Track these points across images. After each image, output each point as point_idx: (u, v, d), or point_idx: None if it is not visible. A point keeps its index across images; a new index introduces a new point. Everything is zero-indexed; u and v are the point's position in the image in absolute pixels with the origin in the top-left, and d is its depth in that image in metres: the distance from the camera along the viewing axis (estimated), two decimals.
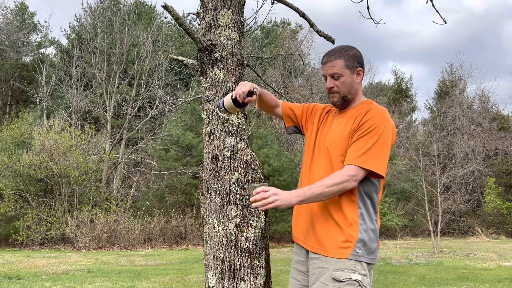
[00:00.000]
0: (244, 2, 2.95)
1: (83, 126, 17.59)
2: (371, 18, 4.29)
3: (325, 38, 3.64)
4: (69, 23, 32.09)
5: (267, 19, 28.46)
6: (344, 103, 1.99)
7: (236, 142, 2.72)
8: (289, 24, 28.92)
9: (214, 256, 2.62)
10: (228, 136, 2.72)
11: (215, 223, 2.65)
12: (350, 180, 1.80)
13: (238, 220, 2.61)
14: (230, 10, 2.82)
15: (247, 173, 2.68)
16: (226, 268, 2.56)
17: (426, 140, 16.34)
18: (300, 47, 21.68)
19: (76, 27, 23.90)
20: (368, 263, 1.85)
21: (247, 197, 2.62)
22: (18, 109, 22.55)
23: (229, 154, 2.69)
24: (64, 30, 42.55)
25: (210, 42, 2.76)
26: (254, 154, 2.76)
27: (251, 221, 2.62)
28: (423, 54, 53.52)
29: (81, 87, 19.95)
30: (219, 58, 2.78)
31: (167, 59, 18.99)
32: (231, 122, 2.74)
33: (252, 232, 2.61)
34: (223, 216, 2.63)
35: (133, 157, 18.40)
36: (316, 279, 1.87)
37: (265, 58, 16.12)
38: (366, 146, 1.83)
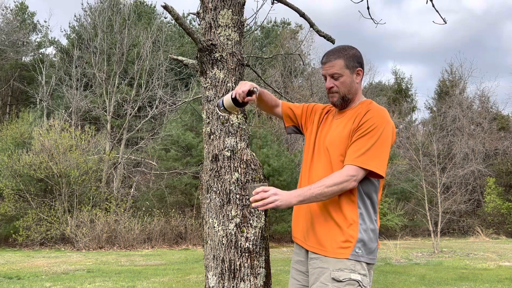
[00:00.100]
0: (244, 2, 2.95)
1: (83, 126, 17.58)
2: (371, 18, 4.29)
3: (325, 38, 3.64)
4: (69, 23, 32.13)
5: (267, 19, 28.47)
6: (343, 103, 1.99)
7: (236, 142, 2.72)
8: (289, 24, 28.93)
9: (214, 256, 2.62)
10: (228, 136, 2.72)
11: (215, 223, 2.65)
12: (350, 180, 1.80)
13: (238, 220, 2.61)
14: (230, 10, 2.83)
15: (247, 173, 2.68)
16: (226, 268, 2.56)
17: (426, 140, 16.34)
18: (300, 47, 21.69)
19: (76, 27, 23.91)
20: (367, 263, 1.85)
21: (247, 197, 2.62)
22: (18, 109, 22.55)
23: (229, 154, 2.69)
24: (64, 30, 42.61)
25: (210, 42, 2.76)
26: (254, 154, 2.76)
27: (251, 221, 2.63)
28: (423, 54, 53.56)
29: (81, 87, 19.95)
30: (219, 58, 2.78)
31: (167, 59, 18.99)
32: (231, 122, 2.74)
33: (252, 232, 2.61)
34: (223, 216, 2.63)
35: (133, 157, 18.40)
36: (316, 279, 1.87)
37: (265, 58, 16.12)
38: (365, 146, 1.83)
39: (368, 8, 4.18)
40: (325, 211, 1.89)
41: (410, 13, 56.26)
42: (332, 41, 3.59)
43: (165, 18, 25.44)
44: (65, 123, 16.53)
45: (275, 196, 1.77)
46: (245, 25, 3.10)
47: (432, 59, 54.35)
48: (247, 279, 2.55)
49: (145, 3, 26.92)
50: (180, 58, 3.10)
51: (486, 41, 51.29)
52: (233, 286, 2.54)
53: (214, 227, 2.65)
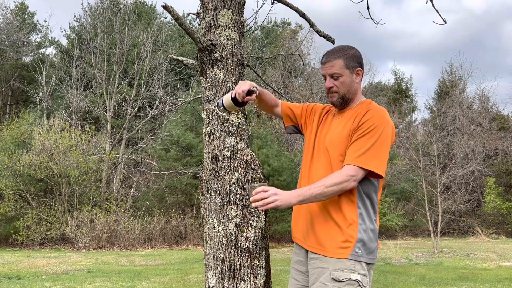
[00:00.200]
0: (244, 2, 2.95)
1: (83, 126, 17.58)
2: (371, 18, 4.29)
3: (325, 38, 3.64)
4: (69, 23, 32.14)
5: (267, 19, 28.47)
6: (343, 103, 1.99)
7: (236, 142, 2.72)
8: (289, 24, 28.93)
9: (214, 256, 2.62)
10: (228, 136, 2.72)
11: (215, 223, 2.65)
12: (349, 180, 1.80)
13: (238, 220, 2.61)
14: (230, 10, 2.83)
15: (247, 173, 2.68)
16: (226, 268, 2.56)
17: (426, 140, 16.34)
18: (300, 47, 21.69)
19: (76, 27, 23.91)
20: (367, 263, 1.85)
21: (247, 197, 2.62)
22: (18, 109, 22.55)
23: (229, 154, 2.69)
24: (64, 30, 42.61)
25: (210, 42, 2.76)
26: (254, 154, 2.76)
27: (251, 221, 2.63)
28: (423, 54, 53.56)
29: (81, 87, 19.95)
30: (219, 58, 2.78)
31: (167, 59, 19.00)
32: (231, 122, 2.74)
33: (252, 232, 2.61)
34: (223, 216, 2.63)
35: (133, 157, 18.40)
36: (316, 279, 1.87)
37: (265, 58, 16.12)
38: (365, 146, 1.83)
39: (368, 8, 4.18)
40: (324, 211, 1.89)
41: (410, 13, 56.30)
42: (332, 41, 3.59)
43: (165, 18, 25.47)
44: (65, 123, 16.53)
45: (275, 196, 1.78)
46: (245, 25, 3.10)
47: (432, 59, 54.39)
48: (247, 279, 2.56)
49: (145, 3, 26.93)
50: (180, 58, 3.10)
51: (486, 41, 51.33)
52: (233, 286, 2.54)
53: (214, 227, 2.65)
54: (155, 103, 18.07)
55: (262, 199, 1.77)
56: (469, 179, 20.33)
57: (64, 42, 25.13)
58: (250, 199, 1.80)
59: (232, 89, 2.74)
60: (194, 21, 24.32)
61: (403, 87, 32.15)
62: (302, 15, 3.67)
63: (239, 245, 2.58)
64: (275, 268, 8.07)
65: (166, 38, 21.73)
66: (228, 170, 2.67)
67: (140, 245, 14.29)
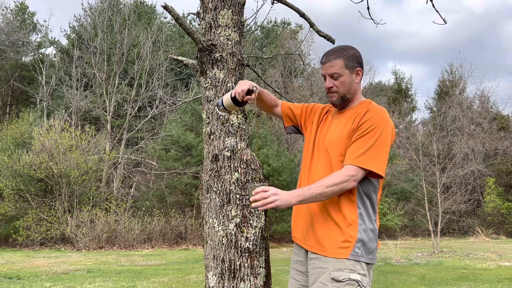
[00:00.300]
0: (244, 2, 2.95)
1: (83, 126, 17.58)
2: (371, 18, 4.29)
3: (325, 38, 3.64)
4: (69, 23, 32.14)
5: (267, 19, 28.47)
6: (343, 103, 1.99)
7: (236, 142, 2.72)
8: (289, 24, 28.93)
9: (214, 256, 2.62)
10: (228, 136, 2.72)
11: (215, 223, 2.65)
12: (349, 180, 1.80)
13: (238, 220, 2.61)
14: (230, 10, 2.83)
15: (247, 173, 2.68)
16: (226, 268, 2.56)
17: (426, 140, 16.34)
18: (300, 47, 21.69)
19: (76, 27, 23.91)
20: (367, 263, 1.85)
21: (247, 197, 2.62)
22: (18, 109, 22.55)
23: (229, 154, 2.69)
24: (64, 30, 42.61)
25: (210, 42, 2.76)
26: (254, 154, 2.76)
27: (251, 221, 2.63)
28: (423, 54, 53.56)
29: (81, 87, 19.96)
30: (219, 58, 2.78)
31: (167, 59, 19.00)
32: (231, 122, 2.74)
33: (252, 232, 2.61)
34: (223, 216, 2.63)
35: (133, 157, 18.40)
36: (316, 279, 1.87)
37: (265, 58, 16.13)
38: (365, 146, 1.83)
39: (368, 8, 4.18)
40: (324, 211, 1.89)
41: (410, 13, 56.29)
42: (332, 41, 3.59)
43: (165, 18, 25.47)
44: (65, 123, 16.53)
45: (275, 196, 1.78)
46: (245, 25, 3.10)
47: (432, 59, 54.39)
48: (247, 279, 2.56)
49: (145, 3, 26.93)
50: (180, 58, 3.10)
51: (486, 41, 51.32)
52: (233, 286, 2.54)
53: (214, 227, 2.65)
54: (155, 103, 18.07)
55: (262, 199, 1.77)
56: (469, 179, 20.33)
57: (64, 42, 25.16)
58: (250, 199, 1.80)
59: (232, 89, 2.74)
60: (194, 21, 24.32)
61: (403, 87, 32.15)
62: (302, 15, 3.67)
63: (239, 245, 2.58)
64: (275, 268, 8.07)
65: (166, 38, 21.73)
66: (228, 170, 2.67)
67: (140, 245, 14.29)
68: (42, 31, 27.00)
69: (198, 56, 2.83)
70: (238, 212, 2.62)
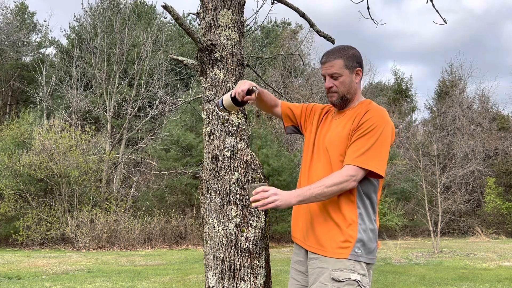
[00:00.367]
0: (244, 2, 2.95)
1: (83, 126, 17.58)
2: (371, 18, 4.29)
3: (325, 38, 3.64)
4: (69, 23, 32.14)
5: (267, 19, 28.47)
6: (343, 103, 1.99)
7: (236, 142, 2.72)
8: (289, 24, 28.93)
9: (214, 256, 2.62)
10: (228, 136, 2.72)
11: (215, 223, 2.65)
12: (349, 180, 1.80)
13: (238, 220, 2.61)
14: (230, 10, 2.83)
15: (247, 173, 2.68)
16: (226, 268, 2.56)
17: (426, 140, 16.34)
18: (300, 47, 21.69)
19: (76, 27, 23.91)
20: (367, 263, 1.85)
21: (247, 197, 2.62)
22: (18, 109, 22.55)
23: (229, 154, 2.69)
24: (64, 30, 42.60)
25: (210, 42, 2.76)
26: (254, 154, 2.76)
27: (251, 221, 2.63)
28: (423, 54, 53.55)
29: (81, 87, 19.96)
30: (219, 58, 2.78)
31: (167, 59, 19.00)
32: (231, 122, 2.74)
33: (252, 232, 2.61)
34: (223, 216, 2.63)
35: (133, 157, 18.40)
36: (315, 279, 1.87)
37: (265, 58, 16.12)
38: (365, 146, 1.83)
39: (368, 8, 4.18)
40: (324, 211, 1.89)
41: (410, 13, 56.28)
42: (332, 41, 3.59)
43: (165, 18, 25.48)
44: (65, 123, 16.53)
45: (275, 196, 1.78)
46: (245, 25, 3.10)
47: (432, 59, 54.39)
48: (247, 279, 2.56)
49: (145, 3, 26.93)
50: (180, 58, 3.10)
51: (486, 41, 51.32)
52: (233, 286, 2.54)
53: (214, 227, 2.65)
54: (155, 103, 18.07)
55: (262, 199, 1.77)
56: (469, 179, 20.33)
57: (64, 42, 25.16)
58: (250, 199, 1.80)
59: (232, 89, 2.74)
60: (194, 21, 24.32)
61: (403, 87, 32.15)
62: (302, 15, 3.67)
63: (239, 245, 2.58)
64: (275, 268, 8.07)
65: (166, 38, 21.73)
66: (228, 170, 2.67)
67: (140, 245, 14.29)
68: (42, 31, 27.03)
69: (198, 56, 2.83)
70: (238, 212, 2.62)
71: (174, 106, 13.37)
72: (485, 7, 52.76)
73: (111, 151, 17.76)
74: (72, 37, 24.09)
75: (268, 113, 2.34)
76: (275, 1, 3.62)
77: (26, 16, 26.73)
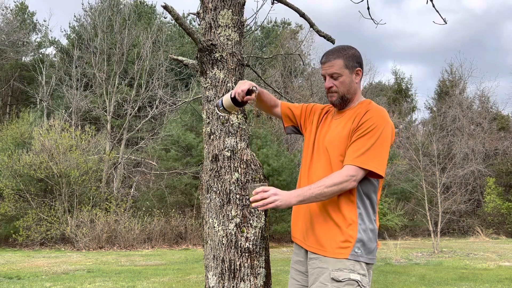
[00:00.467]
0: (244, 2, 2.95)
1: (83, 126, 17.58)
2: (371, 18, 4.29)
3: (325, 38, 3.64)
4: (69, 23, 32.14)
5: (267, 19, 28.47)
6: (342, 103, 1.99)
7: (236, 142, 2.72)
8: (289, 24, 28.93)
9: (214, 256, 2.62)
10: (228, 136, 2.72)
11: (215, 223, 2.65)
12: (349, 180, 1.80)
13: (238, 220, 2.61)
14: (230, 10, 2.83)
15: (247, 173, 2.68)
16: (226, 268, 2.56)
17: (426, 140, 16.34)
18: (300, 47, 21.68)
19: (76, 27, 23.91)
20: (367, 263, 1.85)
21: (247, 197, 2.62)
22: (18, 109, 22.55)
23: (229, 154, 2.69)
24: (64, 30, 42.61)
25: (210, 42, 2.76)
26: (254, 154, 2.76)
27: (251, 221, 2.63)
28: (423, 54, 53.57)
29: (81, 87, 19.96)
30: (219, 58, 2.78)
31: (167, 59, 19.00)
32: (231, 122, 2.74)
33: (252, 232, 2.61)
34: (223, 216, 2.63)
35: (133, 157, 18.40)
36: (315, 279, 1.87)
37: (265, 58, 16.13)
38: (365, 146, 1.83)
39: (368, 8, 4.18)
40: (324, 211, 1.89)
41: (410, 13, 56.28)
42: (332, 41, 3.59)
43: (165, 18, 25.47)
44: (65, 123, 16.53)
45: (275, 196, 1.78)
46: (245, 25, 3.10)
47: (432, 59, 54.40)
48: (247, 279, 2.56)
49: (145, 3, 26.93)
50: (180, 58, 3.10)
51: (486, 41, 51.33)
52: (233, 286, 2.54)
53: (214, 227, 2.65)
54: (155, 103, 18.07)
55: (262, 199, 1.77)
56: (469, 179, 20.33)
57: (64, 42, 25.16)
58: (250, 199, 1.80)
59: (232, 89, 2.74)
60: (194, 21, 24.32)
61: (403, 87, 32.16)
62: (302, 15, 3.67)
63: (239, 245, 2.58)
64: (275, 268, 8.07)
65: (166, 38, 21.73)
66: (228, 170, 2.67)
67: (140, 245, 14.29)
68: (42, 31, 27.03)
69: (198, 56, 2.83)
70: (238, 212, 2.62)
71: (174, 106, 13.37)
72: (485, 7, 52.80)
73: (111, 151, 17.76)
74: (72, 37, 24.09)
75: (268, 113, 2.34)
76: (275, 1, 3.62)
77: (26, 16, 26.72)
